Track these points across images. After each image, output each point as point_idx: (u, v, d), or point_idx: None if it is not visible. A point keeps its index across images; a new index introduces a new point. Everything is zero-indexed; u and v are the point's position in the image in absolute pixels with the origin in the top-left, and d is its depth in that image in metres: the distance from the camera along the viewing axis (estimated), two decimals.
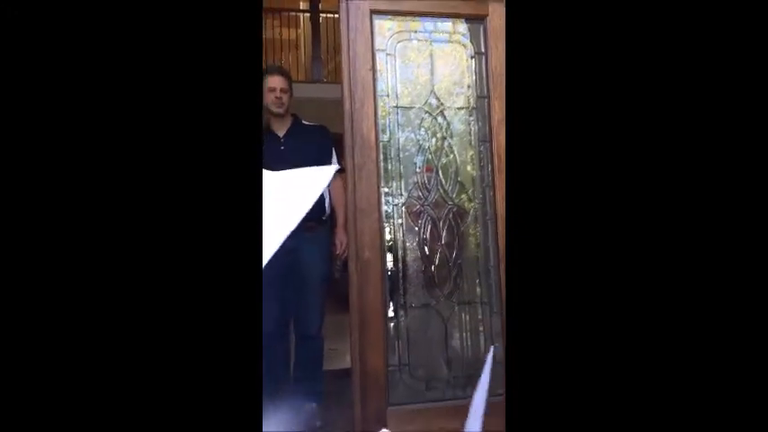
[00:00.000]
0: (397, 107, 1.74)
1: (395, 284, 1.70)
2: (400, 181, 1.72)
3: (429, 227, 1.73)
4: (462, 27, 1.81)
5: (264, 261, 0.52)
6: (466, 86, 1.79)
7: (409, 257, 1.72)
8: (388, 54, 1.74)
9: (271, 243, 0.54)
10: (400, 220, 1.72)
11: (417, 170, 1.74)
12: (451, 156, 1.76)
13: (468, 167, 1.79)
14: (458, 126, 1.79)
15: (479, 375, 0.53)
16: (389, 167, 1.72)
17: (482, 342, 1.75)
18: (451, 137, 1.77)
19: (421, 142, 1.75)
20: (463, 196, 1.77)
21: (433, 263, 1.72)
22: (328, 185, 1.98)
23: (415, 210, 1.73)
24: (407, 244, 1.72)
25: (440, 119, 1.77)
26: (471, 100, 1.79)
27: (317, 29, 5.70)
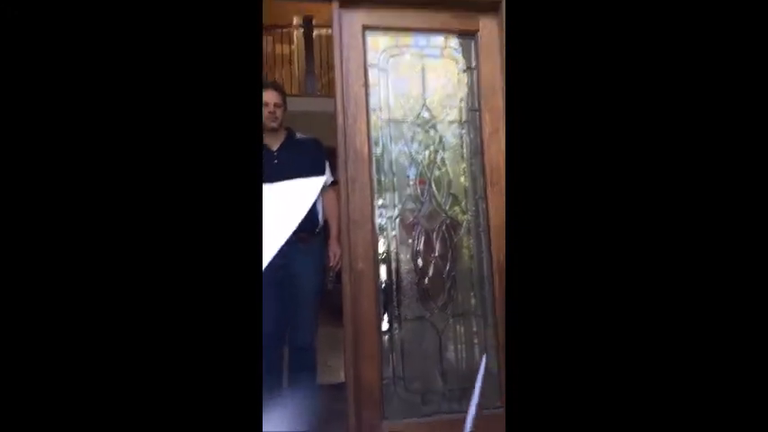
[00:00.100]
0: (389, 120, 1.75)
1: (389, 297, 1.69)
2: (393, 193, 1.73)
3: (422, 239, 1.74)
4: (454, 42, 1.84)
5: None
6: (458, 100, 1.82)
7: (403, 269, 1.72)
8: (380, 69, 1.76)
9: (263, 255, 0.55)
10: (394, 232, 1.72)
11: (410, 182, 1.76)
12: (444, 168, 1.78)
13: (461, 179, 1.80)
14: (450, 139, 1.81)
15: (474, 385, 0.54)
16: (383, 180, 1.73)
17: (477, 354, 1.74)
18: (444, 150, 1.79)
19: (414, 155, 1.77)
20: (456, 208, 1.78)
21: (427, 275, 1.73)
22: (321, 197, 1.99)
23: (408, 222, 1.74)
24: (401, 256, 1.72)
25: (432, 132, 1.79)
26: (463, 113, 1.82)
27: (310, 44, 5.76)
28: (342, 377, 1.69)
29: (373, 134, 1.71)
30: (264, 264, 0.55)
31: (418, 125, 1.78)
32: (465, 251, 1.78)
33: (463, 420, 0.50)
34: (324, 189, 2.00)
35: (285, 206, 0.56)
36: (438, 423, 1.61)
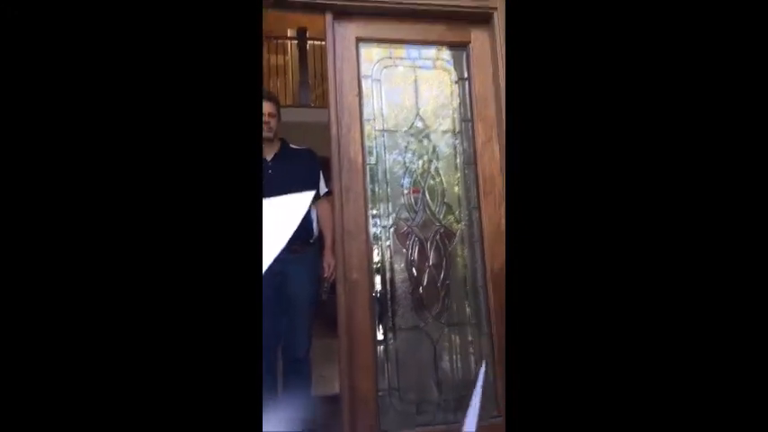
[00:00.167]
0: (383, 131, 1.77)
1: (383, 306, 1.69)
2: (387, 203, 1.74)
3: (417, 248, 1.74)
4: (446, 54, 1.86)
5: None
6: (451, 110, 1.84)
7: (397, 279, 1.72)
8: (374, 79, 1.78)
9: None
10: (388, 242, 1.73)
11: (404, 192, 1.76)
12: (438, 178, 1.79)
13: (455, 189, 1.81)
14: (443, 149, 1.83)
15: (473, 391, 0.54)
16: (377, 190, 1.73)
17: (472, 364, 1.74)
18: (437, 159, 1.80)
19: (408, 165, 1.78)
20: (450, 217, 1.79)
21: (422, 284, 1.72)
22: (315, 208, 1.99)
23: (402, 231, 1.74)
24: (395, 265, 1.72)
25: (426, 142, 1.80)
26: (456, 123, 1.83)
27: (304, 55, 5.81)
28: (336, 388, 1.67)
29: (367, 144, 1.72)
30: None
31: (412, 135, 1.79)
32: (459, 260, 1.79)
33: (459, 431, 0.50)
34: (318, 199, 2.01)
35: (274, 222, 0.57)
36: None
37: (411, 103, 1.81)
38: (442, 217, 1.77)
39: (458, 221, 1.79)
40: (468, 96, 1.83)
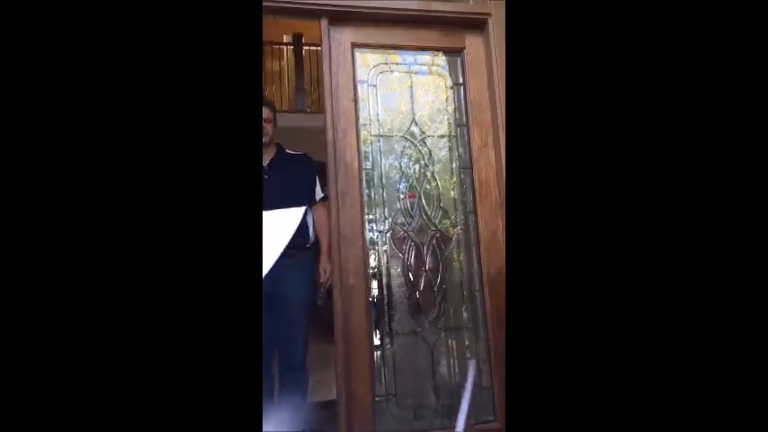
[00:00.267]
0: (379, 136, 1.77)
1: (380, 311, 1.69)
2: (384, 208, 1.74)
3: (413, 253, 1.74)
4: (441, 59, 1.87)
5: None
6: (446, 115, 1.85)
7: (394, 284, 1.72)
8: (370, 85, 1.78)
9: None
10: (384, 247, 1.73)
11: (400, 197, 1.77)
12: (434, 182, 1.80)
13: (451, 193, 1.82)
14: (439, 153, 1.83)
15: (463, 392, 0.54)
16: (373, 195, 1.73)
17: (470, 368, 1.73)
18: (433, 164, 1.81)
19: (404, 169, 1.78)
20: (446, 222, 1.79)
21: (418, 289, 1.72)
22: (311, 213, 1.99)
23: (399, 236, 1.74)
24: (392, 270, 1.72)
25: (421, 147, 1.81)
26: (452, 128, 1.84)
27: (300, 61, 5.82)
28: (333, 394, 1.66)
29: (363, 149, 1.73)
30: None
31: (408, 140, 1.80)
32: (455, 265, 1.79)
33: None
34: (314, 204, 2.01)
35: (268, 234, 0.57)
36: None
37: (407, 108, 1.82)
38: (438, 221, 1.78)
39: (454, 226, 1.79)
40: (463, 101, 1.84)
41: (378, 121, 1.77)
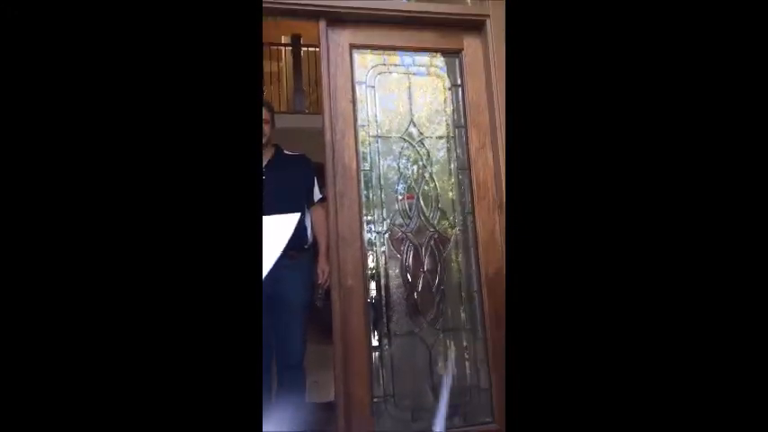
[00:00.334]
0: (377, 137, 1.77)
1: (378, 312, 1.69)
2: (382, 209, 1.74)
3: (411, 254, 1.74)
4: (439, 60, 1.88)
5: None
6: (444, 116, 1.85)
7: (392, 285, 1.72)
8: (368, 86, 1.79)
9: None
10: (383, 248, 1.73)
11: (399, 198, 1.77)
12: (432, 184, 1.80)
13: (449, 194, 1.82)
14: (437, 154, 1.84)
15: (441, 395, 0.54)
16: (371, 196, 1.73)
17: (467, 369, 1.73)
18: (431, 165, 1.81)
19: (402, 170, 1.78)
20: (444, 223, 1.79)
21: (416, 290, 1.72)
22: (309, 214, 1.99)
23: (397, 237, 1.74)
24: (390, 271, 1.72)
25: (420, 148, 1.81)
26: (450, 129, 1.84)
27: (298, 62, 5.82)
28: (331, 395, 1.66)
29: (361, 150, 1.73)
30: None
31: (406, 141, 1.80)
32: (454, 265, 1.79)
33: None
34: (312, 205, 2.01)
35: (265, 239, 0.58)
36: None
37: (405, 109, 1.82)
38: (436, 222, 1.78)
39: (452, 227, 1.80)
40: (461, 102, 1.84)
41: (376, 122, 1.78)
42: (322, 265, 1.96)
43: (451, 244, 1.78)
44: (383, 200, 1.74)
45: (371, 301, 1.68)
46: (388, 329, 1.68)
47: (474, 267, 1.76)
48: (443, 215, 1.79)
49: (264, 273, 0.53)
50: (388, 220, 1.74)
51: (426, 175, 1.80)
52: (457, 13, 1.83)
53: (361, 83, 1.77)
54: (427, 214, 1.77)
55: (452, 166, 1.83)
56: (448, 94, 1.86)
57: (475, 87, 1.83)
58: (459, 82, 1.86)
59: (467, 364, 1.74)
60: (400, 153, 1.79)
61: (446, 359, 1.69)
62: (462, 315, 1.76)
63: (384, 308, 1.69)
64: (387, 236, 1.73)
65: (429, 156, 1.81)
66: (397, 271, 1.73)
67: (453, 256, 1.78)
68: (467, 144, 1.81)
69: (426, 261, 1.74)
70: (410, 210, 1.76)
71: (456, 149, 1.84)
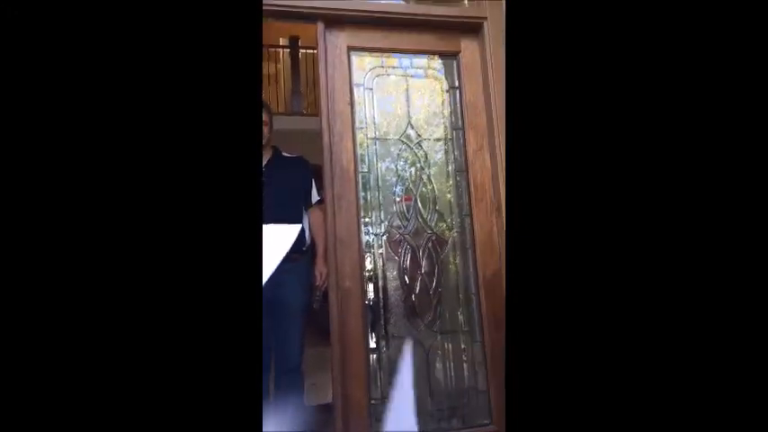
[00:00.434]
0: (375, 139, 1.77)
1: (376, 314, 1.68)
2: (380, 211, 1.74)
3: (409, 256, 1.74)
4: (437, 63, 1.88)
5: None
6: (442, 118, 1.85)
7: (390, 287, 1.71)
8: (366, 88, 1.79)
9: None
10: (380, 250, 1.73)
11: (396, 200, 1.77)
12: (430, 186, 1.80)
13: (447, 196, 1.82)
14: (435, 156, 1.84)
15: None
16: (369, 197, 1.73)
17: (465, 372, 1.73)
18: (429, 167, 1.81)
19: (400, 172, 1.79)
20: (442, 225, 1.79)
21: (414, 292, 1.72)
22: (307, 216, 1.99)
23: (395, 239, 1.74)
24: (388, 273, 1.72)
25: (417, 150, 1.81)
26: (448, 131, 1.85)
27: (296, 64, 5.83)
28: (329, 397, 1.66)
29: (359, 152, 1.73)
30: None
31: (404, 143, 1.80)
32: (451, 267, 1.79)
33: None
34: (310, 207, 2.01)
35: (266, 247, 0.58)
36: None
37: (403, 111, 1.82)
38: (433, 224, 1.78)
39: (450, 229, 1.80)
40: (458, 105, 1.85)
41: (374, 123, 1.78)
42: (320, 268, 1.96)
43: (449, 246, 1.79)
44: (381, 202, 1.74)
45: (369, 304, 1.68)
46: (386, 332, 1.68)
47: (471, 269, 1.76)
48: (441, 217, 1.79)
49: (265, 278, 0.53)
50: (386, 222, 1.74)
51: (424, 177, 1.80)
52: (454, 15, 1.83)
53: (358, 85, 1.78)
54: (425, 216, 1.77)
55: (450, 168, 1.83)
56: (445, 96, 1.87)
57: (472, 89, 1.83)
58: (456, 84, 1.86)
59: (465, 366, 1.74)
60: (398, 155, 1.79)
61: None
62: (460, 317, 1.76)
63: (382, 310, 1.69)
64: (384, 238, 1.73)
65: (427, 158, 1.82)
66: (395, 273, 1.73)
67: (451, 258, 1.79)
68: (464, 146, 1.81)
69: (424, 263, 1.74)
70: (408, 212, 1.76)
71: (454, 151, 1.84)
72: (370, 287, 1.70)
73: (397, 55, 1.84)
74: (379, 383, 1.64)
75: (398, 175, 1.78)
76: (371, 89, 1.79)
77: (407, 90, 1.83)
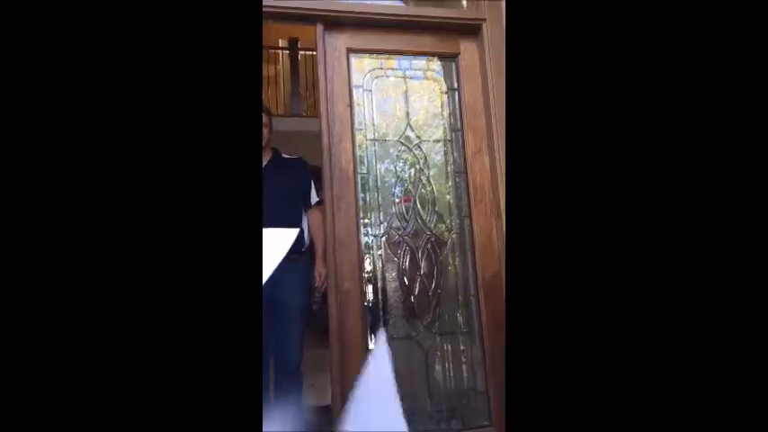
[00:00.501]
0: (374, 140, 1.78)
1: (375, 316, 1.69)
2: (379, 212, 1.74)
3: (408, 257, 1.74)
4: (436, 64, 1.89)
5: None
6: (441, 120, 1.86)
7: (389, 288, 1.72)
8: (365, 89, 1.79)
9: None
10: (379, 251, 1.73)
11: (395, 201, 1.77)
12: (429, 187, 1.80)
13: (446, 197, 1.83)
14: (434, 158, 1.84)
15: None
16: (368, 199, 1.74)
17: (464, 373, 1.73)
18: (428, 168, 1.82)
19: (399, 174, 1.79)
20: (441, 226, 1.80)
21: (413, 293, 1.73)
22: (307, 217, 1.99)
23: (394, 240, 1.75)
24: (387, 275, 1.72)
25: (416, 151, 1.82)
26: (447, 133, 1.85)
27: (295, 66, 5.84)
28: (328, 399, 1.66)
29: (358, 153, 1.73)
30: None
31: (403, 144, 1.80)
32: (450, 269, 1.79)
33: None
34: (309, 208, 2.01)
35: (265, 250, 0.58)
36: None
37: (402, 112, 1.83)
38: (432, 226, 1.78)
39: (449, 230, 1.80)
40: (457, 106, 1.85)
41: (373, 125, 1.78)
42: (319, 269, 1.96)
43: (448, 247, 1.79)
44: (380, 203, 1.75)
45: (368, 305, 1.68)
46: (385, 333, 1.68)
47: (471, 271, 1.76)
48: (440, 218, 1.79)
49: (265, 278, 0.53)
50: (385, 224, 1.74)
51: (423, 178, 1.80)
52: (453, 16, 1.84)
53: (358, 86, 1.78)
54: (424, 217, 1.77)
55: (449, 169, 1.83)
56: (444, 97, 1.87)
57: (471, 91, 1.84)
58: (455, 86, 1.86)
59: (464, 367, 1.74)
60: (397, 156, 1.80)
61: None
62: (459, 318, 1.77)
63: (381, 311, 1.69)
64: (384, 239, 1.73)
65: (426, 159, 1.82)
66: (394, 274, 1.73)
67: (450, 260, 1.79)
68: (463, 147, 1.82)
69: (423, 264, 1.75)
70: (407, 213, 1.76)
71: (453, 153, 1.84)
72: (370, 288, 1.70)
73: (397, 57, 1.85)
74: None
75: (397, 177, 1.79)
76: (371, 91, 1.80)
77: (406, 92, 1.84)
